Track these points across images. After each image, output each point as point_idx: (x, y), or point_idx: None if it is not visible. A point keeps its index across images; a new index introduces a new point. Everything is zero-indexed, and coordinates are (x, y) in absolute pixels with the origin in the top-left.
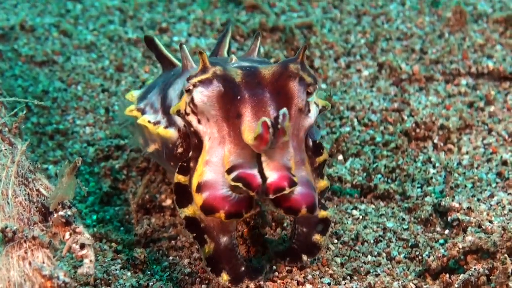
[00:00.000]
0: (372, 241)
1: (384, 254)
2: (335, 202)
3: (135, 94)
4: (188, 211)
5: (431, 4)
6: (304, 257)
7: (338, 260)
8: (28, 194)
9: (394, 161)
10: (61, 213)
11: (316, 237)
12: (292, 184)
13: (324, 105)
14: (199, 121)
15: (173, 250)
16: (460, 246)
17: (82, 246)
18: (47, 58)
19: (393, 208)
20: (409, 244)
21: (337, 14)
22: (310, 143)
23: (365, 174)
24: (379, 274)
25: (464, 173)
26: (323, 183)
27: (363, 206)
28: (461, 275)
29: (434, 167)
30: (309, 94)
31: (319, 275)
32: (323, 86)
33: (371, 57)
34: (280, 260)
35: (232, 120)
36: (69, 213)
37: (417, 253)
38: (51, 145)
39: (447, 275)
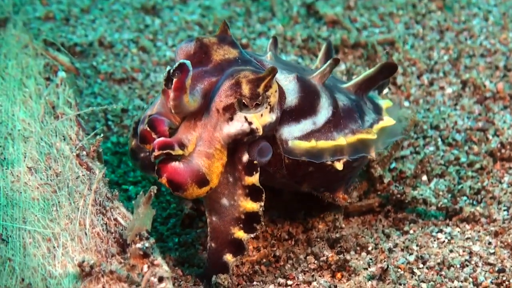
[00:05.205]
0: (458, 266)
1: (470, 279)
2: (420, 225)
3: None
4: None
5: None
6: None
7: (424, 286)
8: (106, 224)
9: (479, 182)
10: (138, 245)
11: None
12: (161, 148)
13: (257, 127)
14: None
15: (257, 275)
16: None
17: (161, 279)
18: (126, 75)
19: (479, 232)
20: (496, 269)
21: (419, 29)
22: (245, 158)
23: (450, 195)
24: None
25: None
26: (251, 205)
27: (448, 229)
28: None
29: None
30: (242, 105)
31: None
32: (406, 104)
33: (455, 74)
34: None
35: None
36: (146, 245)
37: (504, 278)
38: (131, 165)
39: None
